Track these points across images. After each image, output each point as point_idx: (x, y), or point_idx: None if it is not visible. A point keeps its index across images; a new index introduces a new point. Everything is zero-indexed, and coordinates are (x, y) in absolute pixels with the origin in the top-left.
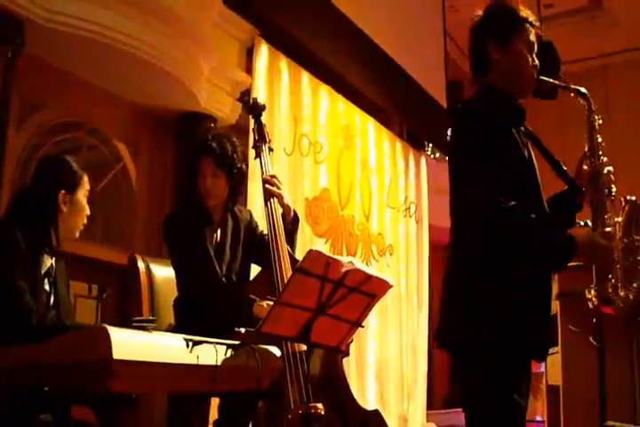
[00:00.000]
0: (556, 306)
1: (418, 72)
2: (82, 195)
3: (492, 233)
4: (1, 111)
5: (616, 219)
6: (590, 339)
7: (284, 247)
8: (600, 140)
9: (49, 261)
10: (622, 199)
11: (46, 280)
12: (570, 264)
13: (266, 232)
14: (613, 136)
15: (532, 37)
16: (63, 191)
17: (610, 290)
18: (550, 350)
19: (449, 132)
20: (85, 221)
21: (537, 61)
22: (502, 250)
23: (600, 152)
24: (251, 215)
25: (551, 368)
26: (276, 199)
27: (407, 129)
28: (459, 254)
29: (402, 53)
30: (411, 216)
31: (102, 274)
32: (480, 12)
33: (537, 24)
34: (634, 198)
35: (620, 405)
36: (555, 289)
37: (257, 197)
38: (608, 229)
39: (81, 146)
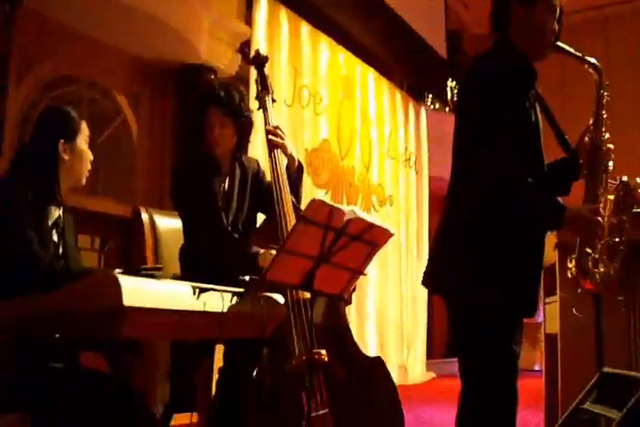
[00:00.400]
0: (554, 256)
1: (418, 22)
2: (82, 141)
3: (496, 194)
4: (1, 65)
5: (608, 196)
6: (573, 310)
7: (288, 199)
8: (605, 116)
9: (56, 213)
10: (617, 178)
11: (54, 231)
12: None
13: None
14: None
15: (557, 2)
16: (62, 140)
17: (590, 264)
18: (548, 300)
19: (450, 84)
20: (90, 166)
21: (557, 27)
22: (501, 211)
23: (603, 128)
24: (258, 165)
25: (549, 318)
26: (279, 150)
27: (407, 80)
28: (459, 210)
29: (402, 4)
30: (410, 167)
31: (104, 226)
32: None
33: None
34: (625, 179)
35: (616, 351)
36: (553, 239)
37: (259, 148)
38: (597, 205)
39: (81, 99)
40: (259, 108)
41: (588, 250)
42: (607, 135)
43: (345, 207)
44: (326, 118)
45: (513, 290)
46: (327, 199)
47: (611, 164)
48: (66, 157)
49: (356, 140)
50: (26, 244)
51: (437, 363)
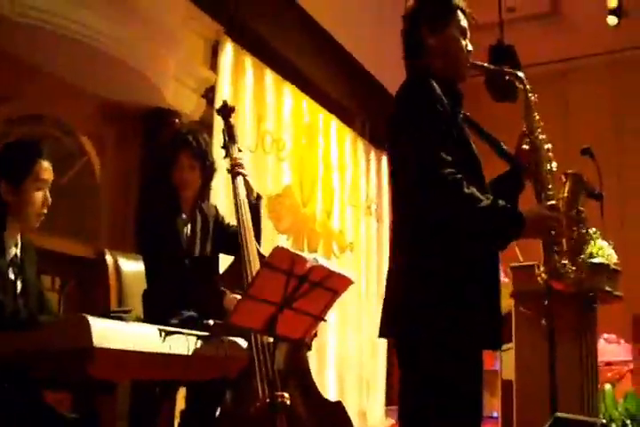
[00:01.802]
0: (510, 304)
1: (380, 71)
2: (31, 184)
3: (438, 207)
4: None
5: (560, 195)
6: (542, 321)
7: (250, 231)
8: (537, 117)
9: (12, 251)
10: (562, 175)
11: (11, 269)
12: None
13: (232, 223)
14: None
15: (464, 23)
16: (4, 181)
17: (558, 264)
18: (504, 347)
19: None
20: (42, 210)
21: (470, 46)
22: (450, 226)
23: (539, 130)
24: (217, 210)
25: (505, 365)
26: (241, 178)
27: (369, 128)
28: (402, 245)
29: (364, 53)
30: (371, 214)
31: (65, 267)
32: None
33: (468, 11)
34: (572, 171)
35: (570, 397)
36: (510, 288)
37: (221, 192)
38: (553, 202)
39: (45, 139)
40: (225, 157)
41: (556, 249)
42: (543, 136)
43: (307, 255)
44: (289, 165)
45: (453, 321)
46: (289, 245)
47: (554, 164)
48: (9, 200)
49: (318, 187)
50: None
51: (396, 409)
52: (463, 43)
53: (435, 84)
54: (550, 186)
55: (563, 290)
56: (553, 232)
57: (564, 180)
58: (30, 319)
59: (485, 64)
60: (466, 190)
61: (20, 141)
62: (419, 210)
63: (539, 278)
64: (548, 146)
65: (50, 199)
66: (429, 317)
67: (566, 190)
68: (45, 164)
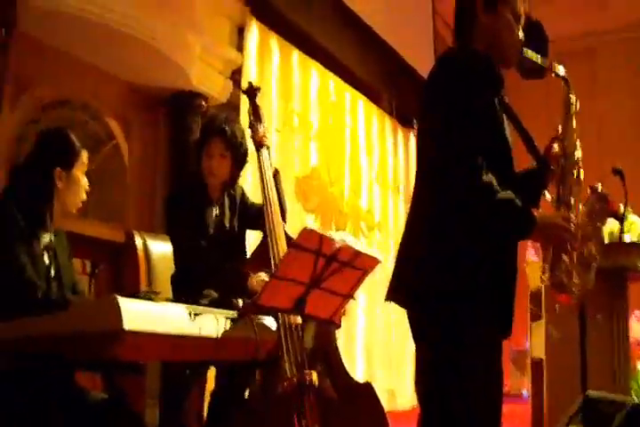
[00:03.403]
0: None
1: (407, 50)
2: (79, 171)
3: (456, 194)
4: None
5: (580, 206)
6: (550, 328)
7: (276, 203)
8: (575, 125)
9: (47, 237)
10: (589, 188)
11: (46, 255)
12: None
13: (256, 202)
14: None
15: (520, 8)
16: (59, 168)
17: (564, 275)
18: (534, 325)
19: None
20: (84, 196)
21: (522, 35)
22: (466, 212)
23: (574, 136)
24: (242, 190)
25: (535, 343)
26: (266, 151)
27: (396, 106)
28: (423, 218)
29: (391, 31)
30: (399, 193)
31: (95, 250)
32: None
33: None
34: (598, 187)
35: (601, 375)
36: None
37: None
38: (570, 213)
39: (73, 124)
40: (251, 137)
41: (564, 259)
42: (578, 143)
43: (335, 235)
44: (316, 144)
45: (486, 304)
46: (316, 225)
47: (582, 174)
48: (60, 186)
49: (346, 167)
50: (20, 271)
51: None
52: (516, 30)
53: (480, 62)
54: (572, 197)
55: (564, 301)
56: (562, 242)
57: (589, 192)
58: (61, 300)
59: (534, 57)
60: (485, 180)
61: (60, 130)
62: (438, 193)
63: (541, 282)
64: (579, 155)
65: (88, 184)
66: (441, 292)
67: (587, 205)
68: (84, 150)
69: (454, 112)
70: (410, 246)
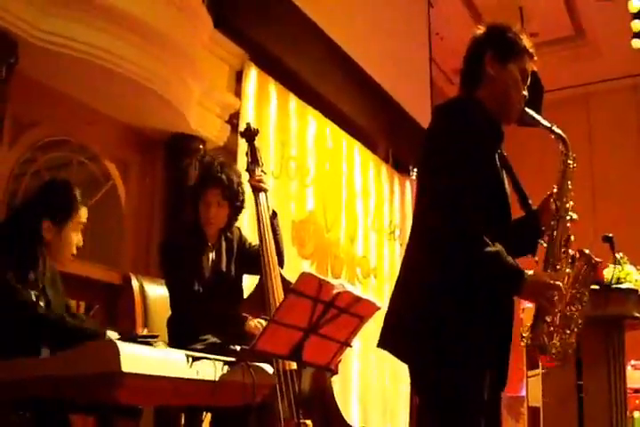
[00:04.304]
0: None
1: (404, 98)
2: (72, 228)
3: (453, 253)
4: None
5: (567, 270)
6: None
7: (272, 248)
8: (570, 186)
9: (40, 284)
10: (577, 252)
11: (32, 292)
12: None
13: (254, 243)
14: (595, 163)
15: (528, 66)
16: (49, 221)
17: (545, 336)
18: (530, 373)
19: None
20: (74, 251)
21: (526, 93)
22: (457, 270)
23: (567, 197)
24: (240, 231)
25: (532, 390)
26: (264, 194)
27: (393, 154)
28: (415, 272)
29: (389, 79)
30: (395, 239)
31: (89, 291)
32: (482, 28)
33: (535, 58)
34: (587, 252)
35: (598, 425)
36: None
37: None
38: (557, 273)
39: (70, 164)
40: (248, 181)
41: (547, 319)
42: (571, 203)
43: (334, 280)
44: (313, 190)
45: (483, 359)
46: (312, 270)
47: (572, 237)
48: (48, 238)
49: (342, 213)
50: (17, 292)
51: None
52: (521, 84)
53: (479, 113)
54: (559, 258)
55: (545, 363)
56: (548, 302)
57: (578, 256)
58: (59, 319)
59: (536, 116)
60: (473, 233)
61: (64, 183)
62: (428, 244)
63: (522, 341)
64: (572, 216)
65: (82, 241)
66: (435, 339)
67: (575, 269)
68: (84, 208)
69: (450, 160)
70: (402, 299)
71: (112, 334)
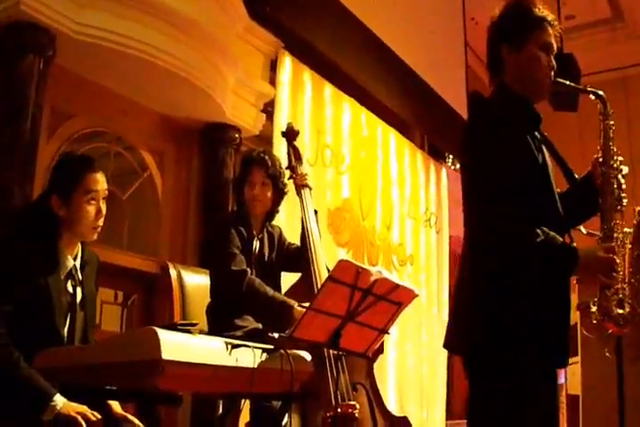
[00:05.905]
0: (576, 316)
1: (439, 84)
2: (80, 198)
3: (500, 246)
4: (33, 121)
5: (626, 229)
6: (605, 351)
7: (319, 242)
8: (614, 147)
9: (70, 263)
10: (636, 210)
11: (69, 282)
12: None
13: (293, 243)
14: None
15: (548, 37)
16: (55, 196)
17: (613, 306)
18: (570, 360)
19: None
20: (96, 223)
21: (553, 62)
22: (509, 261)
23: (614, 157)
24: (280, 230)
25: (571, 378)
26: (308, 190)
27: (428, 141)
28: (473, 265)
29: (424, 66)
30: (431, 227)
31: (128, 281)
32: (497, 12)
33: (555, 23)
34: None
35: (639, 414)
36: (575, 299)
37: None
38: (612, 244)
39: (108, 155)
40: (289, 178)
41: (611, 291)
42: (620, 160)
43: (371, 268)
44: (348, 178)
45: (523, 341)
46: (349, 258)
47: (624, 199)
48: (61, 213)
49: (378, 200)
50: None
51: (456, 424)
52: (544, 59)
53: (514, 105)
54: (614, 222)
55: (616, 332)
56: (605, 276)
57: (636, 215)
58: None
59: (568, 82)
60: (525, 230)
61: (69, 156)
62: (480, 240)
63: (592, 317)
64: (624, 171)
65: (104, 211)
66: (502, 333)
67: (634, 228)
68: (96, 175)
69: (486, 157)
70: (467, 300)
71: (59, 399)
